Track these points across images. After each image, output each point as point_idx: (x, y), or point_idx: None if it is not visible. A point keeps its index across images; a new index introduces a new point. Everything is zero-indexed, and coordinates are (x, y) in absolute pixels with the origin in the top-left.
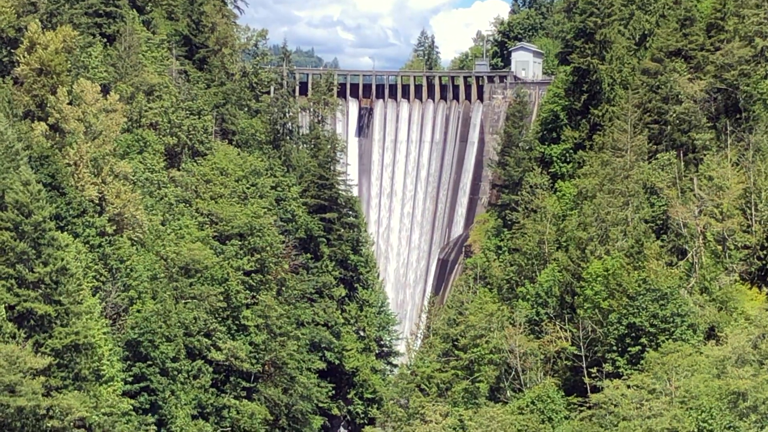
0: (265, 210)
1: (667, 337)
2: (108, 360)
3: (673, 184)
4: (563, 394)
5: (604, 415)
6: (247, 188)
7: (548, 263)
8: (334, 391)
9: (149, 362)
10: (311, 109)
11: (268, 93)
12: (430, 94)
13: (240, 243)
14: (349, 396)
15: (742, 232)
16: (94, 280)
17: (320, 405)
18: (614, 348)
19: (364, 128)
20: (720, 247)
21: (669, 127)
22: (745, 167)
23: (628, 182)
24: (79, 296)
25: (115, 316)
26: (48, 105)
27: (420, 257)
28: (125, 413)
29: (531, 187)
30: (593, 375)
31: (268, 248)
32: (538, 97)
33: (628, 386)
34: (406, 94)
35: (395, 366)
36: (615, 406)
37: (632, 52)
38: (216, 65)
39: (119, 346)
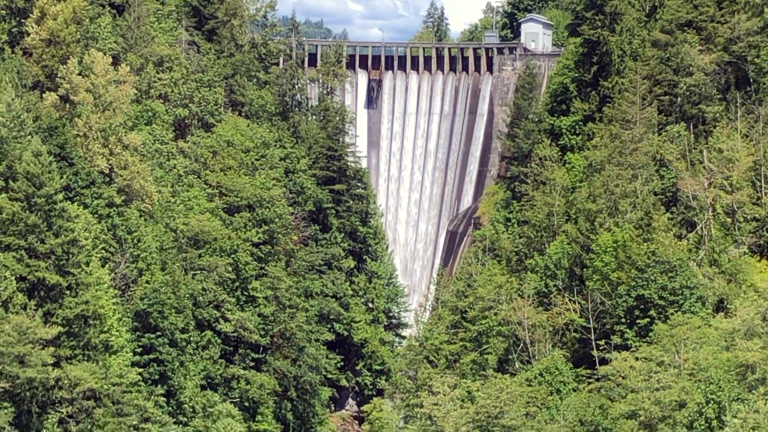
0: (274, 182)
1: (675, 309)
2: (117, 331)
3: (683, 157)
4: (571, 366)
5: (612, 387)
6: (256, 160)
7: (557, 235)
8: (342, 363)
9: (158, 333)
10: (320, 81)
11: (277, 64)
12: (440, 66)
13: (249, 215)
14: (357, 367)
15: (752, 204)
16: (103, 251)
17: (329, 376)
18: (623, 320)
19: (373, 100)
20: (729, 220)
21: (679, 99)
22: (754, 139)
23: (637, 154)
24: (88, 267)
25: (124, 287)
26: (58, 76)
27: (429, 229)
28: (134, 384)
29: (540, 159)
30: (602, 347)
31: (276, 220)
32: (547, 69)
33: (637, 358)
34: (415, 66)
35: (403, 338)
36: (623, 378)
37: (642, 24)
38: (225, 36)
39: (128, 317)
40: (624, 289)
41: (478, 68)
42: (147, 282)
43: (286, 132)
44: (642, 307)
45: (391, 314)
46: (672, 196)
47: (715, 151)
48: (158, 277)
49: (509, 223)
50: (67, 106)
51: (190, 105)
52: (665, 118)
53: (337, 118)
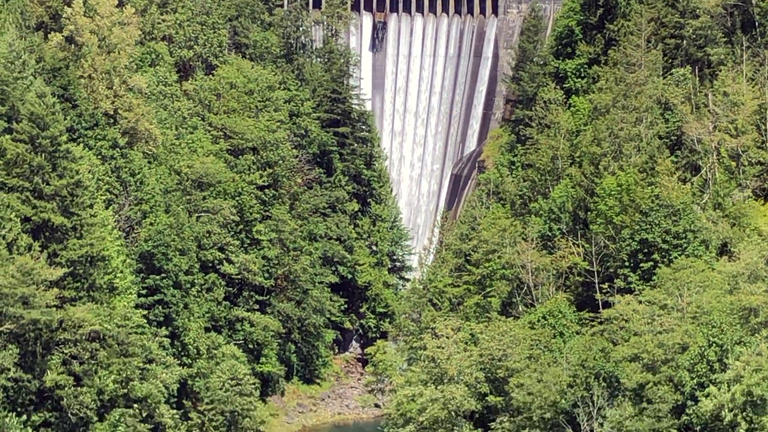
0: (279, 124)
1: (679, 252)
2: (121, 272)
3: (688, 100)
4: (575, 309)
5: (615, 330)
6: (260, 102)
7: (561, 179)
8: (346, 305)
9: (162, 275)
10: (325, 23)
11: (282, 6)
12: (445, 8)
13: (253, 157)
14: (361, 310)
15: (757, 148)
16: (107, 193)
17: (332, 319)
18: (626, 263)
19: (377, 42)
20: (734, 163)
21: (684, 42)
22: (760, 83)
23: (642, 98)
24: (93, 209)
25: (128, 229)
26: (63, 16)
27: (433, 172)
28: (138, 325)
29: (545, 102)
30: (605, 290)
31: (281, 162)
32: (553, 12)
33: (640, 302)
34: (420, 8)
35: (407, 280)
36: (626, 321)
37: None
38: None
39: (132, 259)
40: (628, 232)
41: (483, 11)
42: (151, 224)
43: (290, 74)
44: (645, 250)
45: (395, 257)
46: (676, 140)
47: (720, 94)
48: (162, 219)
49: (513, 167)
50: (72, 47)
51: (194, 47)
52: (670, 61)
53: (342, 61)
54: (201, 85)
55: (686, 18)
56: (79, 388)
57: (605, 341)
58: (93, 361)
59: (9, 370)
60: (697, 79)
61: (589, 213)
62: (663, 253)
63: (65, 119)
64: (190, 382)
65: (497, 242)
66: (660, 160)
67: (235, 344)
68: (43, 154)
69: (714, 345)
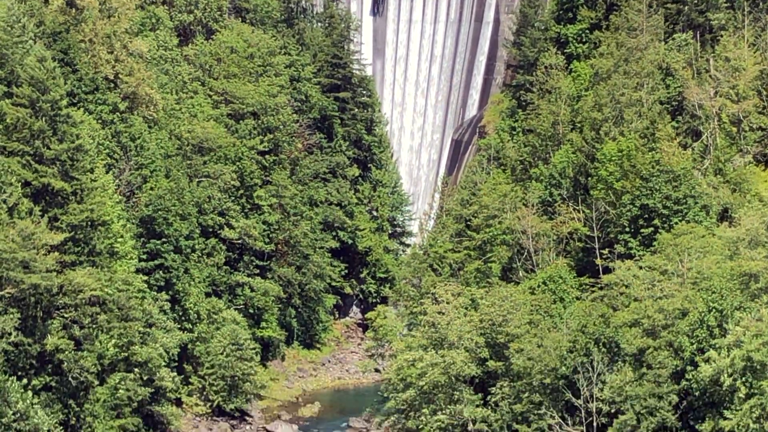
0: (279, 89)
1: (680, 218)
2: (122, 237)
3: (689, 65)
4: (575, 274)
5: (615, 295)
6: (260, 67)
7: (562, 144)
8: (346, 271)
9: (163, 239)
10: None
11: None
12: None
13: (254, 122)
14: (361, 275)
15: (758, 113)
16: (108, 158)
17: (333, 284)
18: (627, 229)
19: (378, 7)
20: (735, 129)
21: (686, 8)
22: (761, 48)
23: (643, 63)
24: (93, 174)
25: (128, 193)
26: None
27: (434, 138)
28: (139, 290)
29: (546, 67)
30: (605, 256)
31: (281, 127)
32: None
33: (640, 267)
34: None
35: (408, 246)
36: (626, 286)
37: None
38: None
39: (133, 224)
40: (628, 198)
41: None
42: (151, 189)
43: (290, 39)
44: (646, 216)
45: (395, 222)
46: (678, 105)
47: (722, 59)
48: (163, 184)
49: (514, 132)
50: (72, 11)
51: (194, 11)
52: (672, 26)
53: (342, 26)
54: (201, 50)
55: None
56: (79, 353)
57: (605, 307)
58: (93, 326)
59: (10, 334)
60: (699, 44)
61: (589, 178)
62: (663, 219)
63: (65, 84)
64: (190, 346)
65: (498, 208)
66: (661, 126)
67: (235, 309)
68: (44, 119)
69: (714, 310)
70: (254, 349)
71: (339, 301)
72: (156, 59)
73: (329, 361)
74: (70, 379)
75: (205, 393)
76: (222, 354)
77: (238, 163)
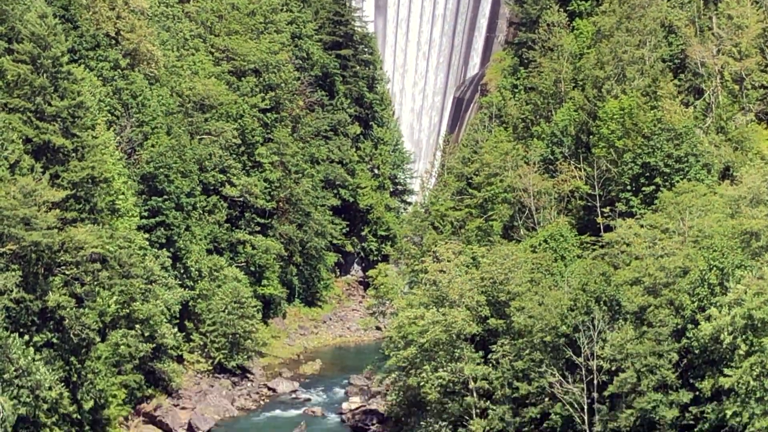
0: (281, 46)
1: (681, 176)
2: (123, 194)
3: (692, 23)
4: (576, 233)
5: (616, 254)
6: (262, 24)
7: (564, 102)
8: (348, 228)
9: (164, 197)
10: None
11: None
12: None
13: (255, 80)
14: (362, 233)
15: (760, 71)
16: (109, 114)
17: (334, 242)
18: (628, 187)
19: None
20: (737, 87)
21: None
22: (764, 6)
23: (645, 20)
24: (94, 131)
25: (129, 150)
26: None
27: (435, 95)
28: (141, 247)
29: (548, 25)
30: (606, 214)
31: (283, 85)
32: None
33: (641, 225)
34: None
35: (409, 204)
36: (627, 245)
37: None
38: None
39: (134, 181)
40: (630, 156)
41: None
42: (153, 146)
43: None
44: (647, 174)
45: (396, 180)
46: (680, 63)
47: (725, 17)
48: (164, 141)
49: (516, 90)
50: None
51: None
52: None
53: None
54: (202, 7)
55: None
56: (80, 310)
57: (606, 265)
58: (95, 283)
59: (11, 291)
60: (701, 1)
61: (591, 137)
62: (665, 177)
63: (66, 40)
64: (192, 304)
65: (499, 166)
66: (663, 84)
67: (236, 267)
68: (45, 75)
69: (715, 269)
70: (255, 306)
71: (340, 258)
72: (157, 16)
73: (330, 319)
74: (71, 335)
75: (206, 350)
76: (224, 311)
77: (239, 121)
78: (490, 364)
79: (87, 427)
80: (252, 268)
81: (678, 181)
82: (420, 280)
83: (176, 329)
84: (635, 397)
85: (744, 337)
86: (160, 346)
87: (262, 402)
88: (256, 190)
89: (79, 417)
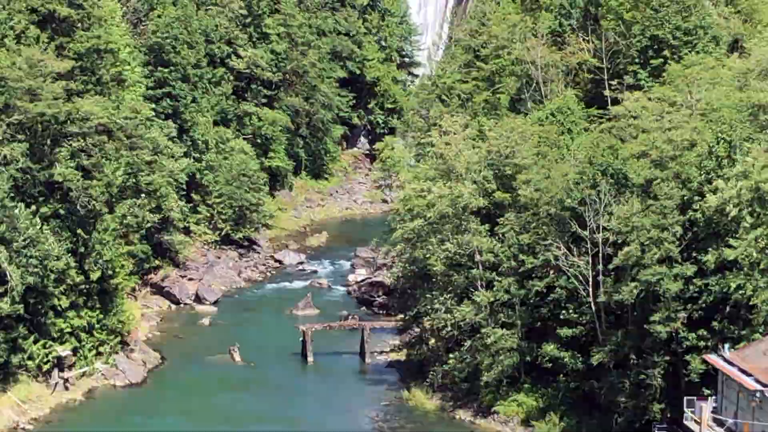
0: None
1: (689, 49)
2: (129, 65)
3: None
4: (583, 106)
5: (623, 127)
6: None
7: None
8: (354, 101)
9: (170, 68)
10: None
11: None
12: None
13: None
14: (369, 106)
15: None
16: None
17: (341, 114)
18: (636, 60)
19: None
20: None
21: None
22: None
23: None
24: (99, 1)
25: (135, 21)
26: None
27: None
28: (147, 118)
29: None
30: (614, 87)
31: None
32: None
33: (649, 98)
34: None
35: (416, 76)
36: (635, 118)
37: None
38: None
39: (140, 51)
40: (638, 28)
41: None
42: (159, 17)
43: None
44: (656, 47)
45: (403, 53)
46: None
47: None
48: (170, 12)
49: None
50: None
51: None
52: None
53: None
54: None
55: None
56: (87, 181)
57: (613, 138)
58: (101, 153)
59: (17, 160)
60: None
61: (599, 9)
62: (673, 50)
63: None
64: (198, 175)
65: (507, 38)
66: None
67: (243, 139)
68: None
69: (722, 141)
70: (262, 178)
71: (347, 131)
72: None
73: (337, 192)
74: (78, 207)
75: (213, 222)
76: (230, 184)
77: None
78: (497, 237)
79: (95, 297)
80: (258, 140)
81: (686, 54)
82: (427, 153)
83: (183, 201)
84: (639, 270)
85: (750, 209)
86: (167, 219)
87: (268, 274)
88: (263, 61)
89: (86, 287)
